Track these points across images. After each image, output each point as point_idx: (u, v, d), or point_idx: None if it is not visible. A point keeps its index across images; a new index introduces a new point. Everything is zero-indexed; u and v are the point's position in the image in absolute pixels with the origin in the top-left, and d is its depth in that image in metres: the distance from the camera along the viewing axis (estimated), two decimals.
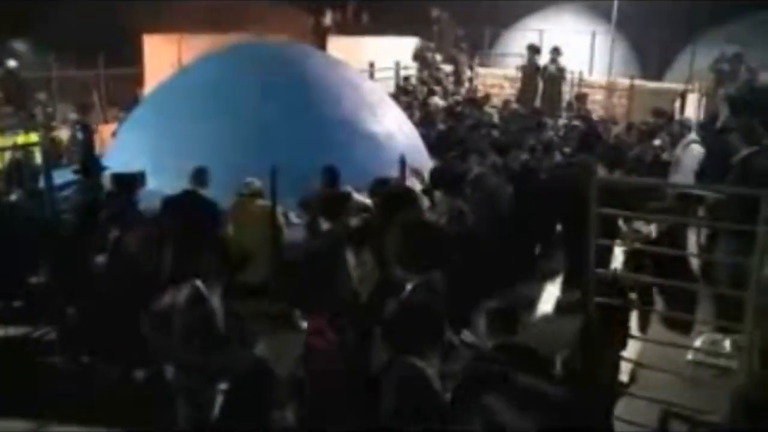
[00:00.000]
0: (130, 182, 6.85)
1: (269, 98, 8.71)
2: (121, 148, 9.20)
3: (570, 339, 5.45)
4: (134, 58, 15.09)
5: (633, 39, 21.72)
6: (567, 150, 10.55)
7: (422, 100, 14.21)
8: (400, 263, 4.54)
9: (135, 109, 10.30)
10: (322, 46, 16.86)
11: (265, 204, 7.24)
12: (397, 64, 16.66)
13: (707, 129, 11.18)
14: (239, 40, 12.01)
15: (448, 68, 17.90)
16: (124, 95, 14.52)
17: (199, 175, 7.04)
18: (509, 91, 17.55)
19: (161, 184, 7.47)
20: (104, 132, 12.99)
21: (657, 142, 10.96)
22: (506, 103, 14.99)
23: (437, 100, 14.19)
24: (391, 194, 6.14)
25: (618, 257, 7.27)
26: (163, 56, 14.02)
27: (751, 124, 7.59)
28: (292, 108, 8.70)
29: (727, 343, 6.31)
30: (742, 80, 13.65)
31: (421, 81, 16.63)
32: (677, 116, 14.56)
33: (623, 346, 5.65)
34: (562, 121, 14.12)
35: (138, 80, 14.71)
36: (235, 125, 8.46)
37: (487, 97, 15.53)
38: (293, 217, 7.61)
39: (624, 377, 5.89)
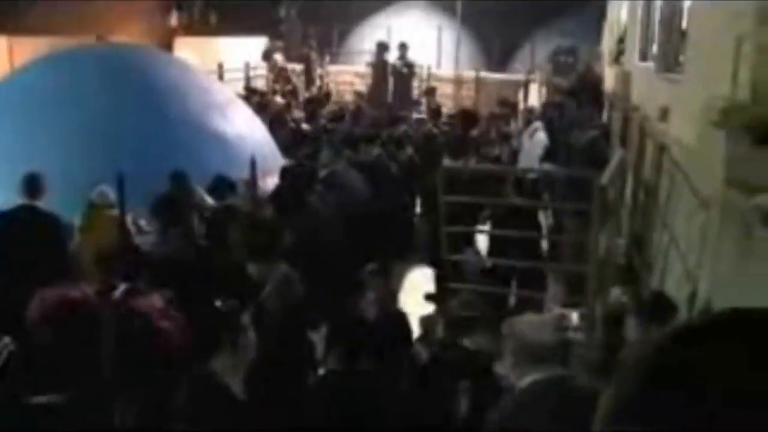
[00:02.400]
0: None
1: (112, 103, 8.35)
2: None
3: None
4: None
5: (477, 33, 22.52)
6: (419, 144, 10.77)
7: (271, 99, 14.07)
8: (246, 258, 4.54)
9: None
10: (169, 47, 16.37)
11: (116, 213, 6.94)
12: (247, 65, 16.45)
13: (552, 118, 11.77)
14: (77, 42, 11.44)
15: (298, 67, 17.85)
16: None
17: (31, 183, 6.36)
18: (360, 87, 17.75)
19: None
20: None
21: (514, 143, 11.43)
22: (356, 97, 15.12)
23: (283, 100, 14.11)
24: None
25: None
26: None
27: (586, 112, 8.11)
28: (136, 113, 8.38)
29: (574, 317, 6.65)
30: (576, 72, 14.51)
31: (273, 81, 16.50)
32: (521, 105, 15.27)
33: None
34: (415, 116, 14.39)
35: None
36: (77, 133, 8.05)
37: (328, 95, 15.63)
38: (144, 225, 7.34)
39: None
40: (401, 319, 4.48)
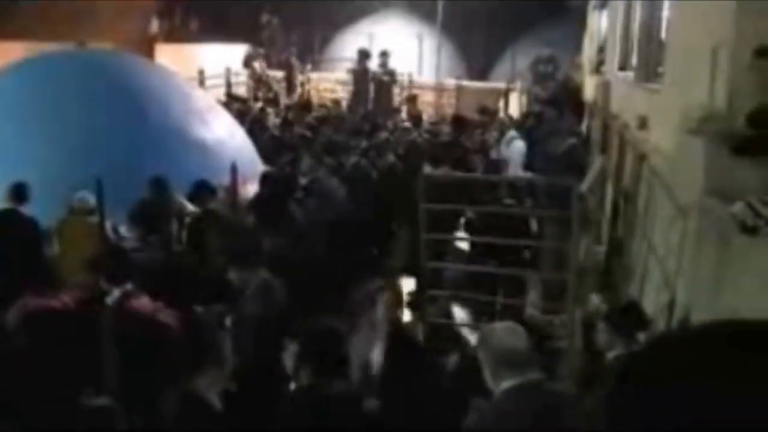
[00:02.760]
0: None
1: (92, 109, 8.31)
2: None
3: None
4: None
5: (458, 41, 22.59)
6: (400, 151, 10.76)
7: (252, 106, 14.02)
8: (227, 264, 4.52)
9: None
10: (150, 54, 16.29)
11: (95, 220, 6.88)
12: (228, 71, 16.42)
13: (531, 127, 11.81)
14: (57, 48, 11.35)
15: (279, 74, 17.83)
16: None
17: (18, 191, 6.51)
18: (342, 95, 17.73)
19: None
20: None
21: (493, 155, 11.45)
22: (334, 105, 15.06)
23: (265, 106, 14.07)
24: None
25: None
26: None
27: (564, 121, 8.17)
28: (117, 118, 8.35)
29: (557, 323, 6.68)
30: (556, 81, 14.60)
31: (253, 88, 16.47)
32: (502, 113, 15.34)
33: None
34: (397, 123, 14.38)
35: None
36: (58, 138, 8.00)
37: (309, 102, 15.58)
38: (123, 231, 7.29)
39: None
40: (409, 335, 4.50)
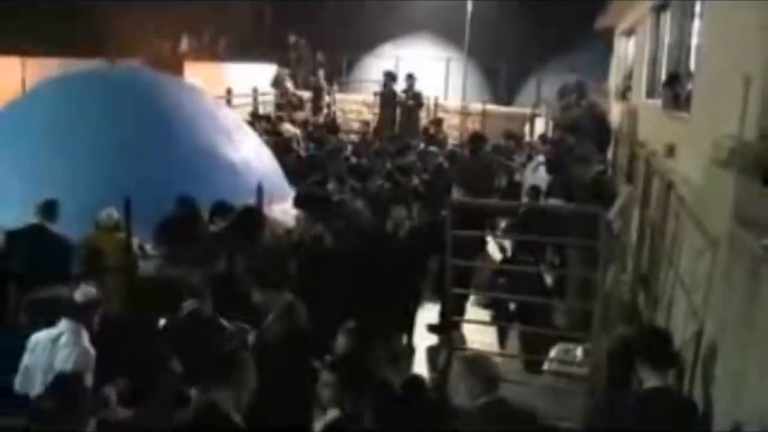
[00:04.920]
0: None
1: (121, 127, 8.40)
2: None
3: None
4: None
5: (485, 65, 22.66)
6: (425, 175, 10.77)
7: (276, 126, 14.08)
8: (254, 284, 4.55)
9: None
10: (179, 72, 16.50)
11: (122, 237, 6.95)
12: (255, 91, 16.57)
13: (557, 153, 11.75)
14: (90, 65, 11.52)
15: (306, 94, 17.96)
16: None
17: (48, 209, 6.63)
18: (367, 116, 17.82)
19: (4, 217, 7.02)
20: None
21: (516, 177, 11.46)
22: (363, 126, 15.08)
23: (290, 127, 14.14)
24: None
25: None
26: (4, 79, 13.22)
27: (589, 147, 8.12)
28: (145, 136, 8.43)
29: (579, 352, 6.61)
30: (579, 107, 14.53)
31: (278, 107, 16.59)
32: (527, 139, 15.32)
33: None
34: (421, 146, 14.39)
35: None
36: (86, 154, 8.09)
37: (334, 123, 15.65)
38: (149, 249, 7.35)
39: None
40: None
